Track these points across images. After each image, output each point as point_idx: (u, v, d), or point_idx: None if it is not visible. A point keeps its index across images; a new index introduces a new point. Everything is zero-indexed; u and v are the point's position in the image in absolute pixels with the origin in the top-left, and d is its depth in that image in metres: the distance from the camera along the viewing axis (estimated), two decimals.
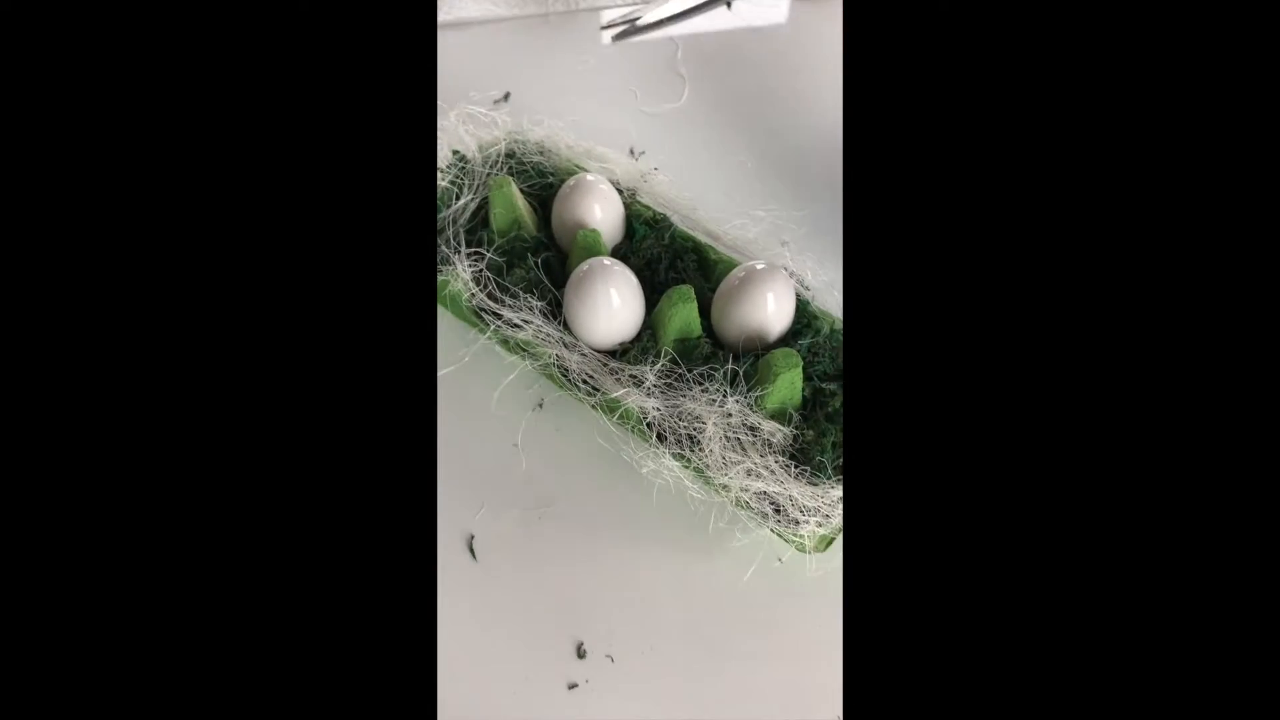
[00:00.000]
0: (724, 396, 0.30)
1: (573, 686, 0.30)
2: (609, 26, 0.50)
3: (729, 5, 0.51)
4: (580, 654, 0.31)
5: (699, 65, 0.48)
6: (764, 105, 0.47)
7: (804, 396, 0.31)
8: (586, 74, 0.48)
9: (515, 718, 0.30)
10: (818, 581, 0.30)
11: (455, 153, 0.37)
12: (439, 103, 0.38)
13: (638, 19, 0.50)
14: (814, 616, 0.30)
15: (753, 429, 0.29)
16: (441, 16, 0.50)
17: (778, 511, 0.29)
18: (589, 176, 0.34)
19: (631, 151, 0.44)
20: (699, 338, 0.32)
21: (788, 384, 0.30)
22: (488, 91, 0.47)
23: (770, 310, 0.31)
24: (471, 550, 0.33)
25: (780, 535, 0.30)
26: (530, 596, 0.32)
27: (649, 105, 0.46)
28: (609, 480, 0.33)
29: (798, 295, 0.33)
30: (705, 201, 0.40)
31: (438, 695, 0.30)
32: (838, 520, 0.29)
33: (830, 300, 0.36)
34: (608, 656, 0.31)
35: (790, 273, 0.34)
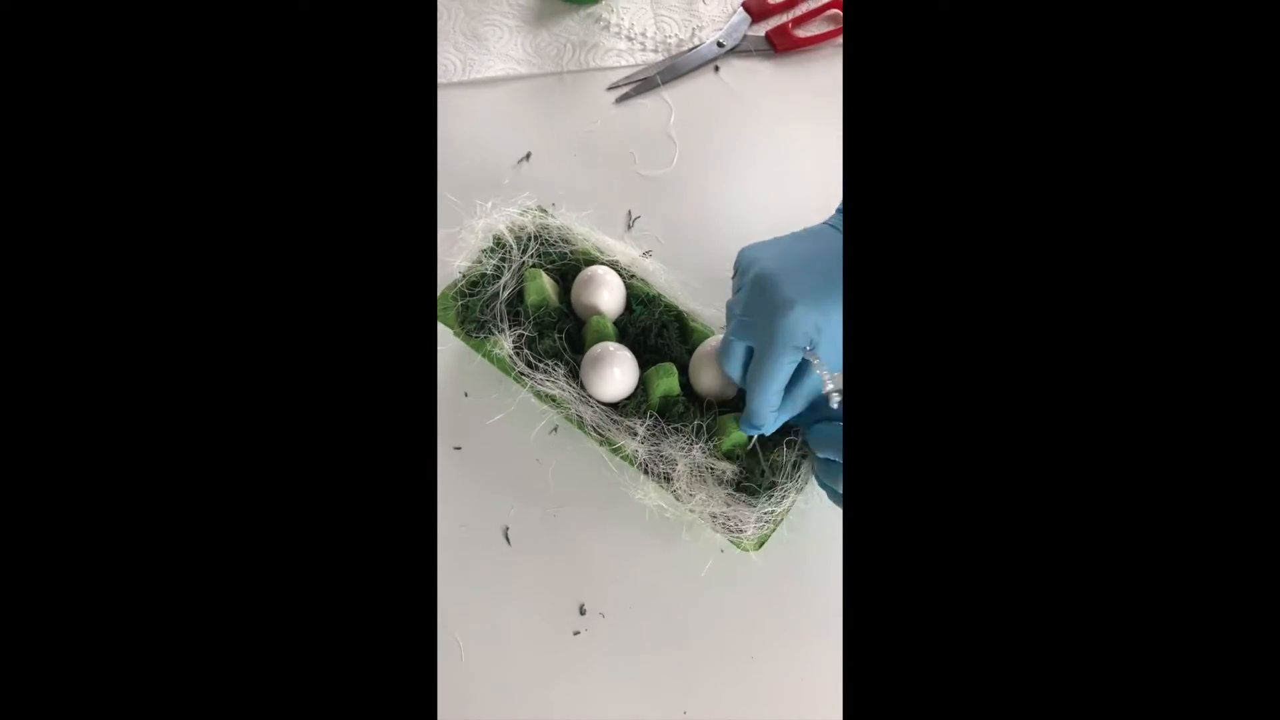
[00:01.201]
0: (691, 443, 0.43)
1: (576, 633, 0.45)
2: (613, 88, 0.59)
3: (716, 69, 0.60)
4: (582, 611, 0.45)
5: (689, 127, 0.58)
6: (744, 165, 0.57)
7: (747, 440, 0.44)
8: (594, 134, 0.58)
9: (535, 654, 0.44)
10: (751, 569, 0.45)
11: (496, 239, 0.48)
12: (478, 198, 0.49)
13: (638, 83, 0.59)
14: (745, 591, 0.45)
15: (710, 468, 0.43)
16: (470, 75, 0.59)
17: (727, 524, 0.42)
18: (599, 270, 0.46)
19: (629, 214, 0.55)
20: (677, 397, 0.44)
21: (736, 436, 0.43)
22: (513, 149, 0.57)
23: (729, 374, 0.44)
24: (507, 537, 0.47)
25: (727, 539, 0.43)
26: (548, 570, 0.46)
27: (645, 169, 0.56)
28: (607, 490, 0.46)
29: None
30: (688, 262, 0.52)
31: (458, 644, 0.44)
32: (766, 530, 0.42)
33: None
34: (600, 614, 0.45)
35: None
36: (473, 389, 0.49)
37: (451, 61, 0.60)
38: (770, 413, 0.40)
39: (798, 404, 0.41)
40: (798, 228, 0.44)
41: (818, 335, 0.38)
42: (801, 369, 0.40)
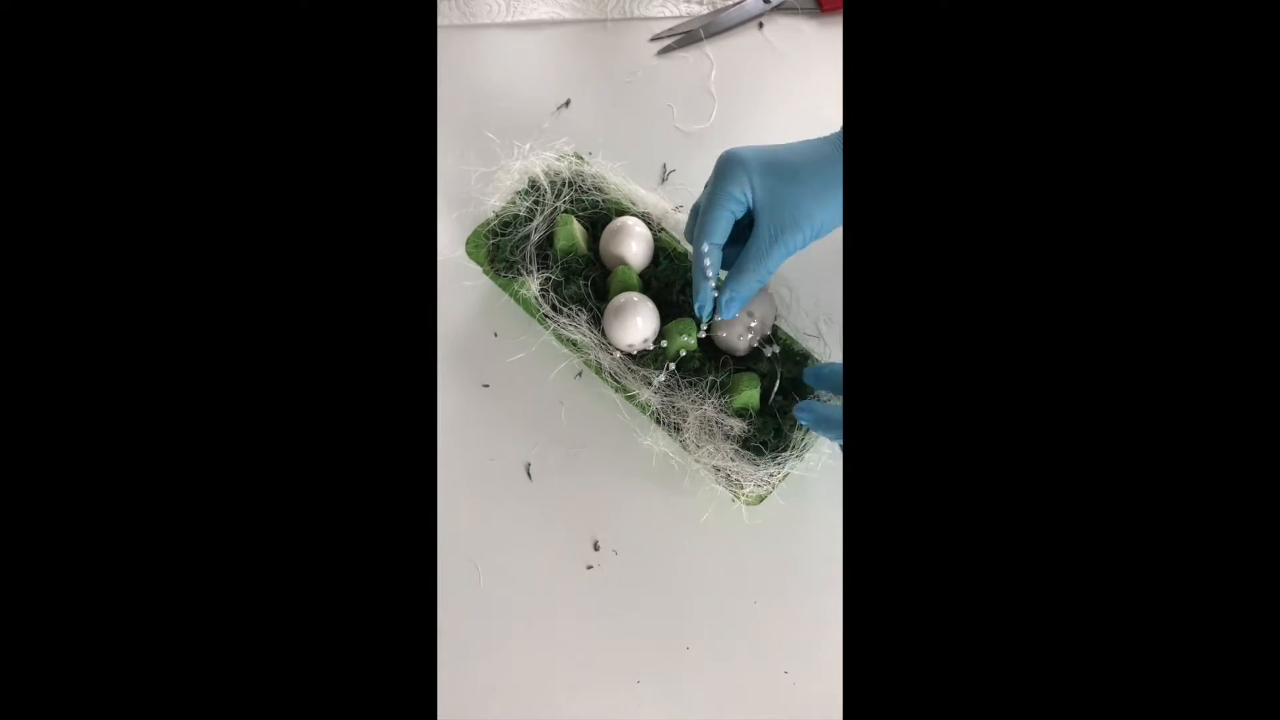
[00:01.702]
0: (704, 397, 0.44)
1: (589, 567, 0.47)
2: (656, 39, 0.59)
3: (760, 25, 0.60)
4: (595, 547, 0.47)
5: (730, 83, 0.58)
6: (782, 126, 0.57)
7: (761, 398, 0.45)
8: (634, 84, 0.58)
9: (549, 585, 0.46)
10: (761, 519, 0.46)
11: (531, 181, 0.49)
12: (516, 140, 0.49)
13: (681, 35, 0.59)
14: (753, 540, 0.47)
15: (719, 423, 0.44)
16: (514, 17, 0.59)
17: (729, 478, 0.44)
18: (629, 220, 0.47)
19: (664, 167, 0.55)
20: (693, 353, 0.46)
21: (748, 396, 0.44)
22: (553, 93, 0.57)
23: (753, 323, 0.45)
24: (529, 473, 0.49)
25: (730, 492, 0.45)
26: (565, 506, 0.48)
27: (683, 123, 0.57)
28: (626, 435, 0.48)
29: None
30: None
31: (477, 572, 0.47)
32: (768, 488, 0.44)
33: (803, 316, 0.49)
34: (613, 550, 0.47)
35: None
36: (502, 329, 0.51)
37: (495, 1, 0.60)
38: (703, 251, 0.43)
39: (742, 282, 0.43)
40: None
41: (750, 191, 0.43)
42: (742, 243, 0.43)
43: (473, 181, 0.50)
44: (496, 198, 0.49)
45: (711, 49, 0.59)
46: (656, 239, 0.48)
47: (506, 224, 0.48)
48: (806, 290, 0.51)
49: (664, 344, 0.45)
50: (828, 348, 0.48)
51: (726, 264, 0.45)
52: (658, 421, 0.45)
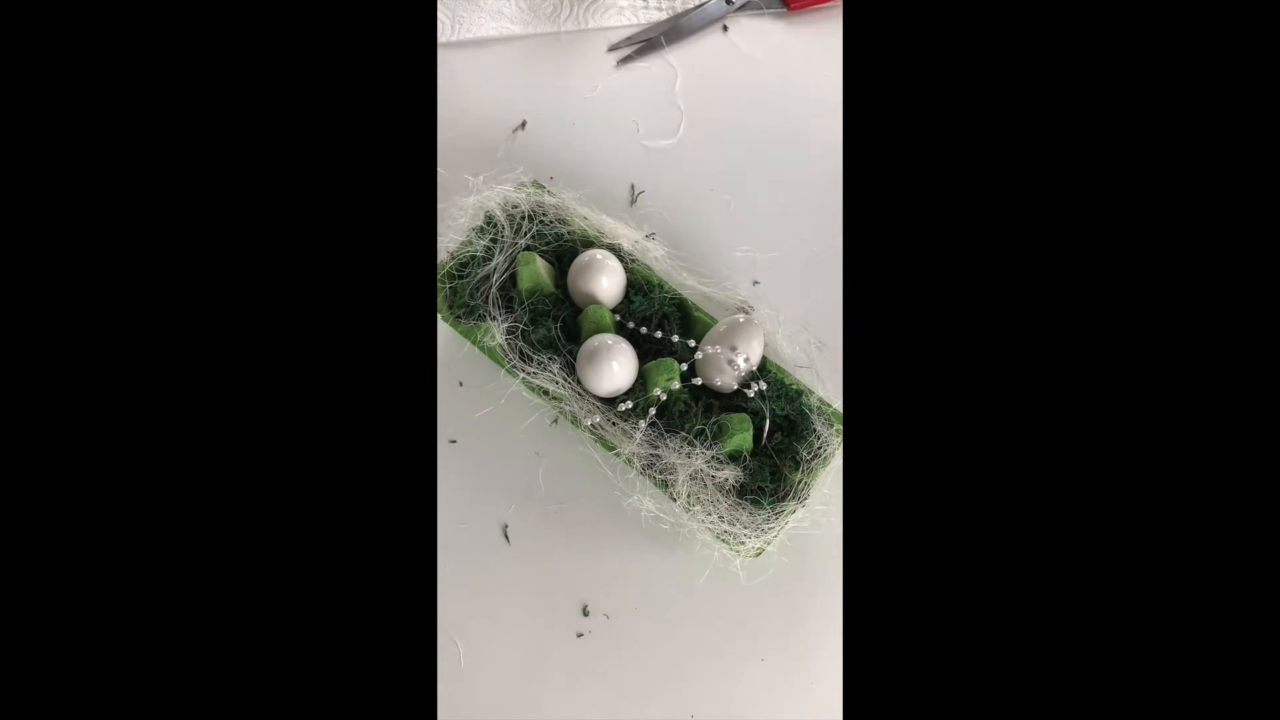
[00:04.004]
0: (693, 446, 0.40)
1: (579, 635, 0.43)
2: (614, 49, 0.55)
3: (725, 29, 0.56)
4: (585, 613, 0.43)
5: (696, 93, 0.54)
6: (754, 136, 0.53)
7: (755, 438, 0.41)
8: (593, 100, 0.54)
9: (537, 658, 0.42)
10: (761, 571, 0.43)
11: (488, 217, 0.44)
12: (469, 172, 0.45)
13: (641, 44, 0.55)
14: (756, 592, 0.43)
15: (712, 476, 0.40)
16: (460, 35, 0.55)
17: (723, 536, 0.40)
18: (599, 254, 0.43)
19: (632, 189, 0.51)
20: (678, 395, 0.42)
21: (740, 439, 0.41)
22: (506, 116, 0.53)
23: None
24: (506, 535, 0.45)
25: (727, 546, 0.41)
26: (549, 570, 0.44)
27: (649, 139, 0.53)
28: (609, 488, 0.44)
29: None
30: (693, 240, 0.49)
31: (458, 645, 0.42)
32: (767, 539, 0.40)
33: (785, 344, 0.45)
34: (604, 614, 0.43)
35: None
36: (467, 378, 0.47)
37: (439, 19, 0.55)
38: None
39: None
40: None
41: None
42: None
43: None
44: (450, 237, 0.45)
45: (674, 57, 0.55)
46: (629, 271, 0.44)
47: (464, 265, 0.44)
48: (792, 314, 0.47)
49: (653, 392, 0.41)
50: (822, 381, 0.44)
51: None
52: (643, 474, 0.41)
